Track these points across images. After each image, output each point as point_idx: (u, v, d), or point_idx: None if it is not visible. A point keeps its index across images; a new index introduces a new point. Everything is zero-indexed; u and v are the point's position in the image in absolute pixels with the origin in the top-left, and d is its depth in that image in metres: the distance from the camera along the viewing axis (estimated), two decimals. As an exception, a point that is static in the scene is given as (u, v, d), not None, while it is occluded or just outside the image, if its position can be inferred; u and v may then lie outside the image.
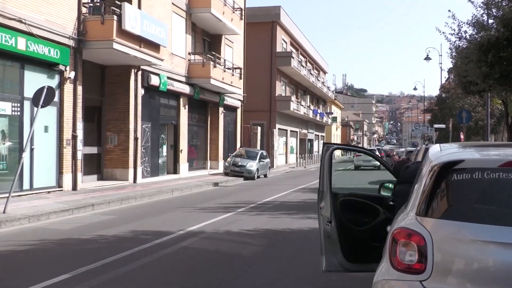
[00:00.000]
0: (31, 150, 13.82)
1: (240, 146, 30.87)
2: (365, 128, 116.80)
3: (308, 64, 49.41)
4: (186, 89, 23.29)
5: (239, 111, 31.61)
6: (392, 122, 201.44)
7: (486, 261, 3.09)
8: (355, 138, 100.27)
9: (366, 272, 4.90)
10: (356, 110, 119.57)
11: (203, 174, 25.20)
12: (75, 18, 15.38)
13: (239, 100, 30.93)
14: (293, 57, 38.67)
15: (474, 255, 3.09)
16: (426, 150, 13.39)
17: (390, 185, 5.29)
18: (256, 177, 25.24)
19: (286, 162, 43.00)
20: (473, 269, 3.09)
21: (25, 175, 13.70)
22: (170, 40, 21.30)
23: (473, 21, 13.19)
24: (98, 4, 16.71)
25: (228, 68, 27.12)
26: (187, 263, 7.23)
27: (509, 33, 11.29)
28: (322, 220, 5.07)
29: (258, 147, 33.33)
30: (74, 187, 15.48)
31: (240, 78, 29.46)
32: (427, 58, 37.36)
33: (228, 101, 28.94)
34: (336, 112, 73.90)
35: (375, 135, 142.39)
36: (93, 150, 18.32)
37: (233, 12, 27.52)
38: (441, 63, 40.67)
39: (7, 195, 10.98)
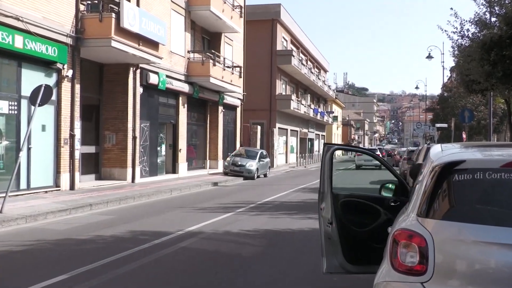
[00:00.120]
0: (28, 149, 13.82)
1: (240, 146, 30.88)
2: (366, 127, 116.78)
3: (309, 62, 49.39)
4: (185, 87, 23.29)
5: (238, 110, 31.60)
6: (393, 121, 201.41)
7: (488, 262, 3.09)
8: (356, 138, 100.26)
9: (367, 273, 4.91)
10: (357, 109, 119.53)
11: (202, 174, 25.20)
12: (73, 15, 15.38)
13: (238, 99, 30.92)
14: (293, 56, 38.66)
15: (476, 257, 3.10)
16: (428, 149, 13.41)
17: (391, 186, 5.29)
18: (256, 176, 25.24)
19: (286, 162, 43.01)
20: (475, 271, 3.09)
21: (22, 174, 13.70)
22: (169, 38, 21.30)
23: (476, 19, 13.20)
24: (96, 1, 16.71)
25: (228, 67, 27.12)
26: (186, 264, 7.24)
27: (512, 31, 11.30)
28: (322, 221, 5.07)
29: (258, 146, 33.32)
30: (72, 187, 15.49)
31: (240, 77, 29.47)
32: (429, 57, 37.34)
33: (228, 100, 28.94)
34: (337, 111, 73.90)
35: (376, 135, 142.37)
36: (91, 149, 18.33)
37: (233, 10, 27.51)
38: (443, 62, 40.86)
39: (4, 194, 10.98)
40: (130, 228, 9.86)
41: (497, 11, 12.65)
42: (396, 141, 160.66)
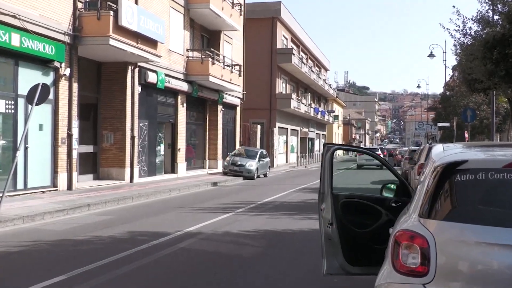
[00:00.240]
0: (25, 149, 13.82)
1: (240, 145, 30.88)
2: (367, 126, 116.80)
3: (309, 61, 49.39)
4: (184, 86, 23.28)
5: (238, 109, 31.60)
6: (395, 120, 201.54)
7: (490, 263, 3.09)
8: (357, 137, 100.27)
9: (367, 275, 4.91)
10: (358, 108, 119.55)
11: (202, 174, 25.21)
12: (71, 13, 15.37)
13: (238, 98, 30.92)
14: (293, 54, 38.65)
15: (478, 258, 3.10)
16: (430, 149, 13.41)
17: (393, 186, 5.29)
18: (255, 176, 25.25)
19: (286, 162, 43.01)
20: (477, 272, 3.09)
21: (19, 174, 13.70)
22: (168, 36, 21.29)
23: (478, 17, 13.21)
24: (94, -1, 16.69)
25: (227, 65, 27.11)
26: (185, 265, 7.24)
27: (515, 30, 11.31)
28: (323, 222, 5.07)
29: (258, 146, 33.33)
30: (69, 187, 15.49)
31: (240, 75, 29.47)
32: (431, 55, 37.33)
33: (227, 99, 28.94)
34: (338, 110, 73.90)
35: (378, 134, 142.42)
36: (89, 149, 18.33)
37: (233, 8, 27.50)
38: (445, 60, 40.85)
39: (0, 195, 10.98)
40: (128, 229, 9.86)
41: (500, 9, 12.66)
42: (398, 140, 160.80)
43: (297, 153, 45.28)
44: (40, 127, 14.66)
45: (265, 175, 27.28)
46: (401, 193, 5.14)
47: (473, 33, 13.48)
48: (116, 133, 18.79)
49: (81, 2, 16.11)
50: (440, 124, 36.80)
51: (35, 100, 11.72)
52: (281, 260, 7.47)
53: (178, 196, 16.68)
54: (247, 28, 32.15)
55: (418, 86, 60.33)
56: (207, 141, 27.84)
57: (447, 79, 43.91)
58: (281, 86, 39.85)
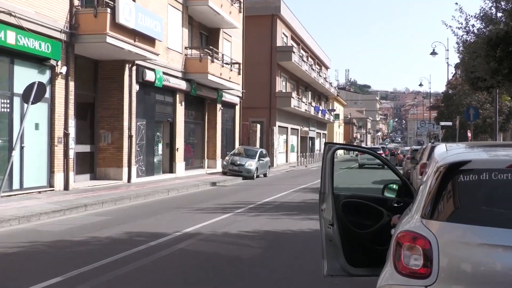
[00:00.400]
0: (21, 148, 13.81)
1: (239, 145, 30.88)
2: (369, 125, 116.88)
3: (310, 59, 49.39)
4: (182, 85, 23.28)
5: (237, 108, 31.59)
6: (396, 119, 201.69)
7: (494, 265, 3.09)
8: (358, 136, 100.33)
9: (369, 276, 4.91)
10: (360, 107, 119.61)
11: (200, 174, 25.21)
12: (67, 10, 15.36)
13: (237, 96, 30.91)
14: (294, 52, 38.65)
15: (481, 259, 3.10)
16: (432, 148, 13.41)
17: (394, 186, 5.29)
18: (255, 176, 25.25)
19: (286, 161, 43.03)
20: (481, 274, 3.09)
21: (15, 174, 13.69)
22: (166, 34, 21.29)
23: (481, 14, 13.18)
24: (91, -4, 16.69)
25: (227, 63, 27.10)
26: (184, 266, 7.24)
27: (518, 27, 11.30)
28: (323, 223, 5.07)
29: (258, 145, 33.33)
30: (66, 187, 15.48)
31: (239, 74, 29.45)
32: (433, 53, 37.36)
33: (227, 97, 28.94)
34: (339, 109, 73.92)
35: (379, 133, 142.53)
36: (86, 148, 18.32)
37: (232, 5, 27.49)
38: (447, 58, 40.59)
39: (-4, 195, 10.98)
40: (126, 229, 9.86)
41: (503, 6, 12.64)
42: (400, 139, 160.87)
43: (297, 152, 45.29)
44: (36, 126, 14.65)
45: (264, 175, 27.28)
46: (403, 194, 5.14)
47: (476, 31, 13.47)
48: (113, 132, 18.78)
49: (78, -1, 16.12)
50: (442, 123, 36.81)
51: (31, 99, 11.73)
52: (281, 262, 7.46)
53: (177, 196, 16.68)
54: (246, 26, 32.14)
55: (420, 85, 60.30)
56: (206, 141, 27.84)
57: (450, 77, 43.98)
58: (281, 85, 39.85)
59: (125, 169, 18.87)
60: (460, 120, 30.27)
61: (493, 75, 12.50)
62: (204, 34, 27.34)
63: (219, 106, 28.24)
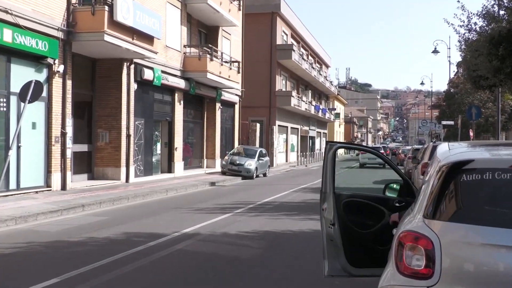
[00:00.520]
0: (18, 148, 13.81)
1: (239, 144, 30.87)
2: (370, 125, 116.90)
3: (310, 57, 49.39)
4: (181, 83, 23.27)
5: (237, 106, 31.59)
6: (398, 118, 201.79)
7: (496, 266, 3.09)
8: (359, 136, 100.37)
9: (370, 277, 4.91)
10: (360, 106, 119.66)
11: (199, 173, 25.21)
12: (64, 8, 15.35)
13: (237, 95, 30.91)
14: (294, 50, 38.63)
15: (484, 260, 3.10)
16: (434, 148, 13.42)
17: (396, 186, 5.29)
18: (254, 176, 25.25)
19: (286, 161, 43.04)
20: (483, 274, 3.10)
21: (12, 174, 13.69)
22: (165, 32, 21.28)
23: (484, 12, 13.19)
24: (89, -7, 16.67)
25: (226, 62, 27.10)
26: (183, 266, 7.25)
27: (521, 25, 11.31)
28: (324, 223, 5.07)
29: (257, 144, 33.34)
30: (63, 187, 15.48)
31: (238, 72, 29.44)
32: (435, 51, 37.36)
33: (226, 96, 28.94)
34: (339, 108, 73.94)
35: (380, 132, 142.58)
36: (83, 147, 18.32)
37: (231, 3, 27.49)
38: (449, 57, 41.00)
39: (-8, 195, 10.98)
40: (124, 230, 9.86)
41: (505, 4, 12.64)
42: (401, 139, 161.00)
43: (297, 152, 45.28)
44: (33, 125, 14.64)
45: (264, 175, 27.28)
46: (405, 193, 5.14)
47: (478, 29, 13.46)
48: (111, 132, 18.78)
49: (75, -3, 16.09)
50: (444, 122, 36.82)
51: (28, 98, 11.73)
52: (281, 262, 7.47)
53: (175, 196, 16.68)
54: (246, 24, 32.13)
55: (422, 83, 60.44)
56: (205, 140, 27.84)
57: (452, 76, 43.96)
58: (281, 83, 39.85)
59: (123, 169, 18.87)
60: (462, 119, 30.29)
61: (496, 74, 12.51)
62: (203, 32, 27.33)
63: (218, 105, 28.23)
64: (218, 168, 27.18)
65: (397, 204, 5.06)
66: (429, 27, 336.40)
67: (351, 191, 5.48)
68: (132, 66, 19.33)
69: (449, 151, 3.79)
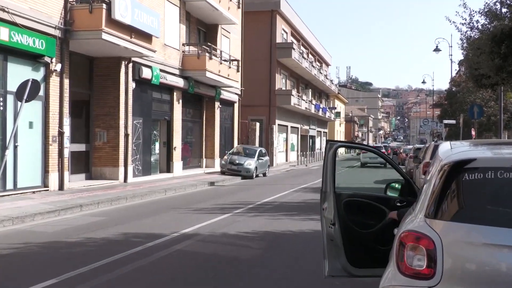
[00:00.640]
0: (15, 147, 13.80)
1: (238, 143, 30.87)
2: (371, 124, 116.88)
3: (310, 56, 49.36)
4: (180, 82, 23.27)
5: (236, 106, 31.59)
6: (399, 117, 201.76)
7: (499, 266, 3.10)
8: (360, 135, 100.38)
9: (371, 277, 4.92)
10: (361, 105, 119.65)
11: (198, 173, 25.21)
12: (62, 6, 15.34)
13: (236, 94, 30.91)
14: (294, 49, 38.63)
15: (486, 260, 3.11)
16: (436, 147, 13.42)
17: (397, 185, 5.30)
18: (254, 176, 25.26)
19: (286, 160, 43.04)
20: (485, 275, 3.10)
21: (8, 174, 13.68)
22: (163, 30, 21.28)
23: (486, 10, 13.18)
24: (86, -9, 16.66)
25: (225, 60, 27.10)
26: (183, 267, 7.25)
27: (523, 23, 11.30)
28: (325, 222, 5.08)
29: (257, 144, 33.34)
30: (61, 187, 15.48)
31: (238, 71, 29.44)
32: (437, 50, 37.36)
33: (225, 95, 28.93)
34: (340, 107, 73.95)
35: (381, 132, 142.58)
36: (81, 147, 18.32)
37: (230, 0, 27.48)
38: (451, 55, 40.94)
39: (-11, 195, 10.98)
40: (122, 230, 9.86)
41: (508, 2, 12.64)
42: (402, 138, 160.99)
43: (297, 151, 45.29)
44: (30, 124, 14.64)
45: (264, 175, 27.29)
46: (406, 193, 5.15)
47: (480, 27, 13.46)
48: (109, 131, 18.77)
49: (73, -5, 16.08)
50: (446, 121, 36.82)
51: (25, 97, 11.73)
52: (281, 262, 7.48)
53: (174, 196, 16.68)
54: (245, 22, 32.12)
55: (423, 82, 60.47)
56: (204, 139, 27.84)
57: (453, 74, 43.98)
58: (280, 82, 39.85)
59: (121, 169, 18.87)
60: (464, 118, 30.27)
61: (498, 72, 12.51)
62: (202, 31, 27.33)
63: (217, 104, 28.23)
64: (217, 168, 27.19)
65: (399, 204, 5.07)
66: (430, 27, 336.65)
67: (352, 191, 5.48)
68: (130, 65, 19.32)
69: (451, 150, 3.79)
